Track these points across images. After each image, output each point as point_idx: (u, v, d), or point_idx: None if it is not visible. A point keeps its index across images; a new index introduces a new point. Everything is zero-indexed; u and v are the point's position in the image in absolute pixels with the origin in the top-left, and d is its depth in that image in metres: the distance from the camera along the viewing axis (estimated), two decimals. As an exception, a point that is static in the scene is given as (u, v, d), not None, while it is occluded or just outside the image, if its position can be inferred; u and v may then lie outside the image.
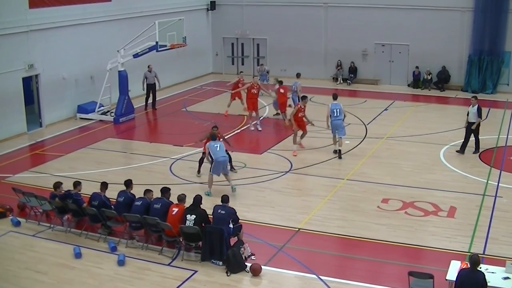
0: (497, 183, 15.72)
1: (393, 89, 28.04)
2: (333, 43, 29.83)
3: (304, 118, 18.77)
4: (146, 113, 24.37)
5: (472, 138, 18.14)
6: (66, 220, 13.52)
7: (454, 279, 9.34)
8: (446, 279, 9.81)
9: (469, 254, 11.37)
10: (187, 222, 11.76)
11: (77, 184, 13.38)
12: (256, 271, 11.26)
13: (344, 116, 18.38)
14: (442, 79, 27.77)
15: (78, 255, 12.04)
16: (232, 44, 32.34)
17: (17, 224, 13.59)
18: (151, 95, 24.60)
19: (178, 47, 23.71)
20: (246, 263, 11.50)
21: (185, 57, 28.91)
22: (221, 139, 16.10)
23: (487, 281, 9.04)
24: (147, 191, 12.90)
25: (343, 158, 18.03)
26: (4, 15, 19.92)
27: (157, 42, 22.35)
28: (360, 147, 19.20)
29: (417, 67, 28.16)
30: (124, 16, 25.20)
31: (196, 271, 11.43)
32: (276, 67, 29.97)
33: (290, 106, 22.05)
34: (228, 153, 15.90)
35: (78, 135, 21.32)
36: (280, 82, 21.85)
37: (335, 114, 18.10)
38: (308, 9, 29.85)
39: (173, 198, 12.55)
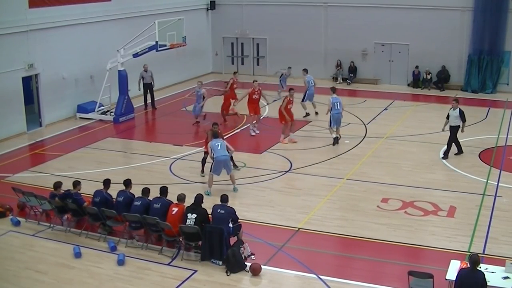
0: (496, 183, 15.72)
1: (392, 89, 28.03)
2: (333, 42, 29.83)
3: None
4: (146, 112, 24.37)
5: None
6: (66, 219, 13.52)
7: (454, 279, 9.34)
8: (446, 279, 9.81)
9: (469, 253, 11.36)
10: (188, 221, 11.76)
11: (76, 183, 13.38)
12: (255, 271, 11.26)
13: (342, 109, 19.26)
14: (442, 79, 27.77)
15: (78, 255, 12.04)
16: (232, 43, 32.33)
17: (17, 223, 13.60)
18: (148, 94, 24.61)
19: (177, 46, 23.72)
20: (246, 263, 11.51)
21: (185, 56, 28.90)
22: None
23: (486, 280, 9.04)
24: (146, 191, 12.90)
25: (342, 157, 18.06)
26: (4, 15, 19.92)
27: (156, 42, 22.36)
28: (360, 146, 19.20)
29: (417, 66, 28.16)
30: (124, 15, 25.20)
31: (196, 271, 11.44)
32: (276, 66, 29.93)
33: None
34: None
35: (77, 135, 21.33)
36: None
37: (336, 107, 18.93)
38: (308, 8, 29.85)
39: (173, 198, 12.55)
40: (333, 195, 15.21)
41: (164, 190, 12.68)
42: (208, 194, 14.82)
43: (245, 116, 22.18)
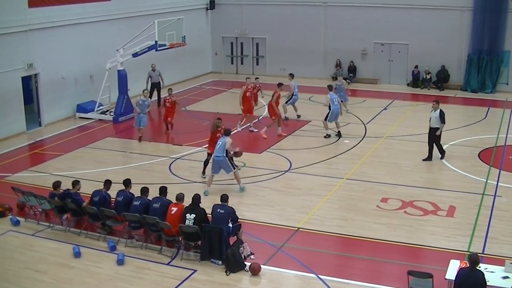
0: (496, 182, 15.72)
1: (392, 89, 28.04)
2: (332, 42, 29.83)
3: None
4: (148, 112, 24.30)
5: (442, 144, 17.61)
6: (66, 219, 13.52)
7: (454, 279, 9.33)
8: (446, 279, 9.81)
9: (468, 253, 11.34)
10: (187, 221, 11.75)
11: (76, 183, 13.37)
12: (255, 271, 11.26)
13: (342, 101, 20.40)
14: (442, 79, 27.77)
15: (77, 255, 12.04)
16: (232, 43, 32.33)
17: (17, 223, 13.59)
18: (155, 92, 24.66)
19: (177, 46, 23.73)
20: (245, 263, 11.50)
21: (184, 56, 28.91)
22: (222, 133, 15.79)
23: (486, 280, 9.03)
24: (145, 190, 12.90)
25: (342, 157, 18.07)
26: (4, 15, 19.91)
27: (156, 42, 22.36)
28: (360, 146, 19.20)
29: (416, 66, 28.16)
30: (124, 15, 25.20)
31: (195, 271, 11.43)
32: (276, 66, 29.97)
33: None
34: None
35: (77, 135, 21.33)
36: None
37: (335, 103, 19.53)
38: (307, 8, 29.85)
39: (173, 198, 12.54)
40: (332, 194, 15.21)
41: (163, 190, 12.67)
42: (205, 194, 14.84)
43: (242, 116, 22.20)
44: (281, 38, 30.55)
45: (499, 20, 26.36)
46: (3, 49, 20.01)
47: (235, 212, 12.08)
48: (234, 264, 11.37)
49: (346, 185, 15.87)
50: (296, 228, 13.25)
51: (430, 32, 27.51)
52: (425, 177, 16.40)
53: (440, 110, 17.20)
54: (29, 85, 21.92)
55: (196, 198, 12.12)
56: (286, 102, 22.36)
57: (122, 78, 23.07)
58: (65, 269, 11.55)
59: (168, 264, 11.76)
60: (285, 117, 22.09)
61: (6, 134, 20.37)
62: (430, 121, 17.49)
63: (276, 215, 13.96)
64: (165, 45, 22.91)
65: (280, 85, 20.49)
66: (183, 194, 12.41)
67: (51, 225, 13.44)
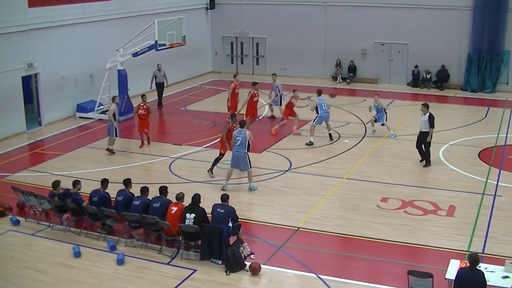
0: (496, 182, 15.72)
1: (392, 88, 28.00)
2: (332, 42, 29.83)
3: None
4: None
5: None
6: (65, 219, 13.51)
7: (454, 278, 9.33)
8: (446, 278, 9.82)
9: (468, 253, 11.35)
10: (187, 221, 11.76)
11: (76, 183, 13.36)
12: (255, 270, 11.26)
13: (328, 107, 19.71)
14: (442, 78, 27.77)
15: (77, 254, 12.04)
16: (232, 43, 32.33)
17: (16, 223, 13.59)
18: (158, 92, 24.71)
19: (177, 46, 23.72)
20: (245, 262, 11.50)
21: (184, 56, 28.84)
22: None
23: (486, 280, 9.03)
24: (144, 189, 12.90)
25: (342, 157, 18.07)
26: (4, 14, 19.90)
27: (156, 41, 22.36)
28: (359, 146, 19.20)
29: (416, 66, 28.16)
30: (124, 15, 25.18)
31: (195, 270, 11.43)
32: (276, 66, 29.94)
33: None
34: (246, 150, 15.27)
35: (77, 134, 21.32)
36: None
37: (324, 108, 19.37)
38: (307, 8, 29.85)
39: (173, 198, 12.54)
40: (332, 194, 15.21)
41: (163, 190, 12.67)
42: (223, 189, 15.00)
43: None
44: (281, 38, 30.54)
45: (499, 20, 26.36)
46: (3, 49, 20.00)
47: (235, 211, 12.08)
48: (234, 263, 11.37)
49: (346, 184, 15.87)
50: (296, 228, 13.26)
51: (430, 32, 27.51)
52: (425, 176, 16.39)
53: (430, 114, 16.76)
54: (29, 85, 21.92)
55: (196, 198, 12.11)
56: (280, 104, 22.24)
57: (122, 78, 23.06)
58: (65, 269, 11.55)
59: (168, 263, 11.76)
60: (272, 115, 22.64)
61: (6, 133, 20.36)
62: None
63: (276, 215, 13.96)
64: (165, 44, 22.91)
65: (256, 84, 20.80)
66: (183, 194, 12.41)
67: (51, 224, 13.44)
